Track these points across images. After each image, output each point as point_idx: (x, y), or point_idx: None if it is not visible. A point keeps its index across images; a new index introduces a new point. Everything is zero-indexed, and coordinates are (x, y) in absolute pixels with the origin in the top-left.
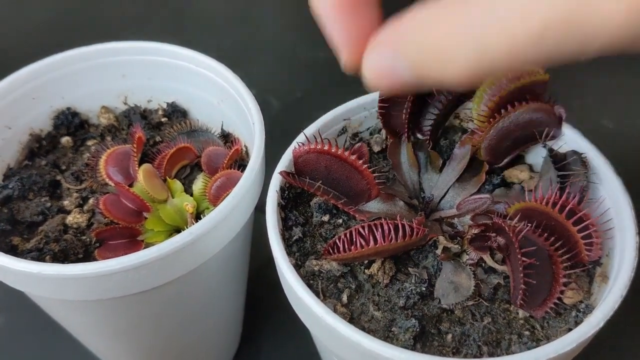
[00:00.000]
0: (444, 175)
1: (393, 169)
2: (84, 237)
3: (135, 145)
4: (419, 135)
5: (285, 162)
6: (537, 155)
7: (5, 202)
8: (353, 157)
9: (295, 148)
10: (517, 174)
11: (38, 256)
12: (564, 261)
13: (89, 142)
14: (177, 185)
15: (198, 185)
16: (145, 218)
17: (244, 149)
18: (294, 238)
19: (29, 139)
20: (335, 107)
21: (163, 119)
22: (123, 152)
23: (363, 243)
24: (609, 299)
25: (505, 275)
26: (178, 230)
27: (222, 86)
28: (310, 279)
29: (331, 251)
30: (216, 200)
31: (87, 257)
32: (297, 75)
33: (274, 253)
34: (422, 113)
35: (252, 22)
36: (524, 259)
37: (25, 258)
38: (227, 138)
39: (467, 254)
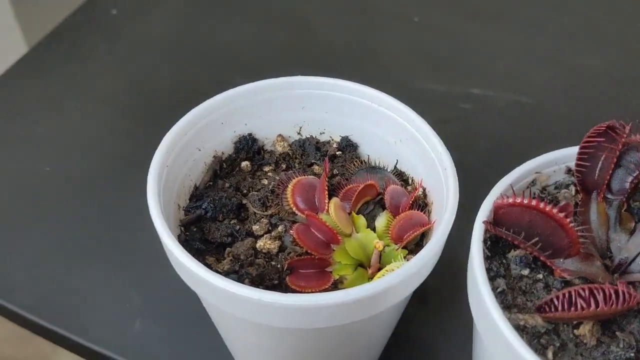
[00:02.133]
0: (635, 237)
1: (581, 226)
2: (273, 263)
3: (325, 178)
4: (608, 195)
5: (485, 212)
6: None
7: (196, 221)
8: (561, 214)
9: (497, 200)
10: None
11: (237, 278)
12: None
13: (266, 168)
14: (362, 220)
15: (381, 222)
16: (333, 250)
17: (421, 189)
18: (498, 290)
19: (212, 161)
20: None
21: (337, 152)
22: (307, 183)
23: (584, 305)
24: None
25: None
26: (361, 265)
27: (404, 126)
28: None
29: (547, 309)
30: (398, 239)
31: (280, 283)
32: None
33: (488, 307)
34: (614, 173)
35: (376, 58)
36: None
37: None
38: (400, 177)
39: None
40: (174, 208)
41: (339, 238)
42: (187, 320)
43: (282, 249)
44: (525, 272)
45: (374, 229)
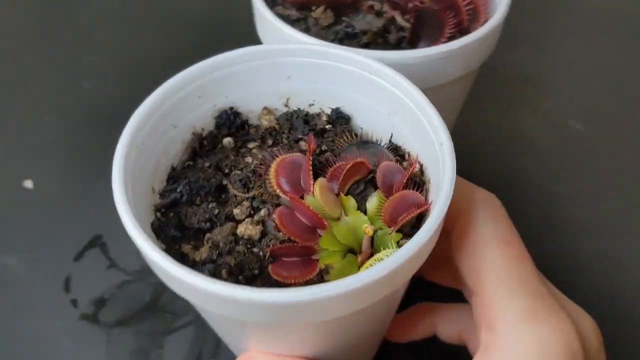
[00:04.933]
0: None
1: None
2: (254, 249)
3: (310, 157)
4: None
5: None
6: None
7: (172, 206)
8: None
9: None
10: None
11: (214, 269)
12: (451, 20)
13: (250, 145)
14: (351, 202)
15: (373, 203)
16: (319, 236)
17: (418, 166)
18: None
19: (191, 138)
20: None
21: (327, 126)
22: (292, 161)
23: None
24: None
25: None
26: (352, 251)
27: (398, 97)
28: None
29: None
30: (392, 222)
31: (262, 273)
32: None
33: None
34: None
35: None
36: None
37: (201, 270)
38: (395, 151)
39: (385, 13)
40: (148, 192)
41: (325, 223)
42: None
43: (264, 234)
44: None
45: (365, 212)
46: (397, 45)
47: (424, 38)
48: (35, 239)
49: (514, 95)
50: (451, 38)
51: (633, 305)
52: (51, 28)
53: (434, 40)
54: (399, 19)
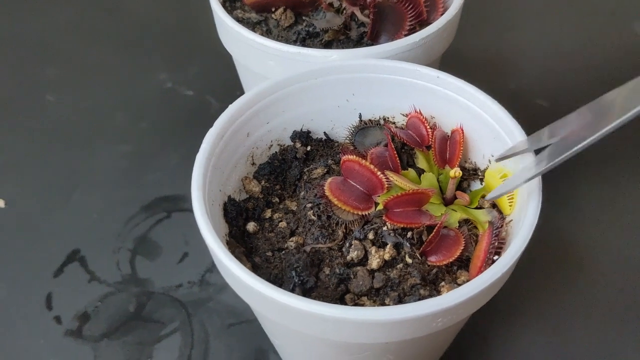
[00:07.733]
0: None
1: None
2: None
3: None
4: None
5: None
6: None
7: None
8: None
9: None
10: None
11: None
12: (410, 13)
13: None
14: (412, 172)
15: (422, 161)
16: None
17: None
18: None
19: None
20: None
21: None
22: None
23: None
24: None
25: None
26: None
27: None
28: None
29: None
30: (443, 163)
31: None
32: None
33: (216, 10)
34: None
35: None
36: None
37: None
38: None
39: (345, 10)
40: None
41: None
42: None
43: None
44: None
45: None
46: (359, 41)
47: (384, 32)
48: (12, 258)
49: (481, 77)
50: (411, 30)
51: None
52: (7, 42)
53: (394, 34)
54: (359, 15)
